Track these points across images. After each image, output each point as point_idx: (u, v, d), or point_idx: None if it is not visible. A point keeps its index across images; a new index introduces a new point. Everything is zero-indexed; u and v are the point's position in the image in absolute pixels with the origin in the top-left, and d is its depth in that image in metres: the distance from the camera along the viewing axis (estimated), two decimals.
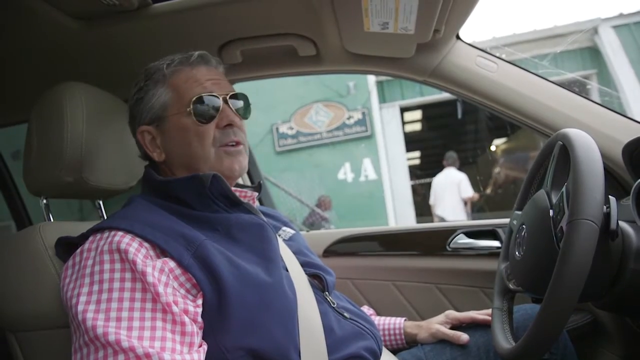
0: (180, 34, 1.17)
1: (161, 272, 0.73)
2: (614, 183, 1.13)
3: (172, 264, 0.75)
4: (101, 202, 1.15)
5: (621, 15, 6.55)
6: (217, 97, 0.92)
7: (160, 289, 0.71)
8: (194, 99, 0.90)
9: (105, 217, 1.16)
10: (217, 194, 0.87)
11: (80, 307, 0.69)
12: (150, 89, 0.93)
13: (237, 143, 0.93)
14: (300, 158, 7.66)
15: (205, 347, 0.73)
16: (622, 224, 0.81)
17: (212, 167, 0.91)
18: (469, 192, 6.20)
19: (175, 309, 0.70)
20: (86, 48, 1.17)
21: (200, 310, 0.74)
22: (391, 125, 7.61)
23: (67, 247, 0.84)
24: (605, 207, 0.75)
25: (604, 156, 0.78)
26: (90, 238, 0.78)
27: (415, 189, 7.78)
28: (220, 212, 0.88)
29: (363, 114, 7.48)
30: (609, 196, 0.76)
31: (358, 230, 1.63)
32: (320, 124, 7.61)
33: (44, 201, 1.01)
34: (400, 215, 7.26)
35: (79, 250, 0.77)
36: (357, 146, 7.51)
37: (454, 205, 6.17)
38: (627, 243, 0.79)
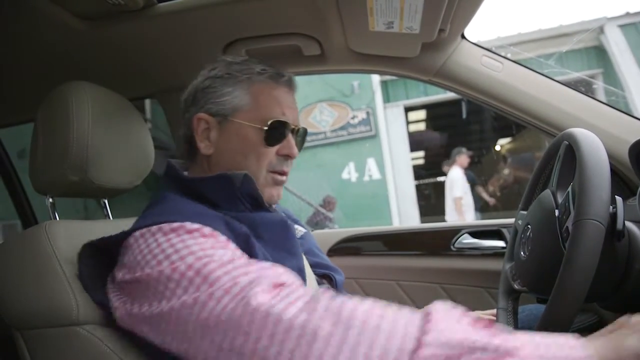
0: (186, 34, 1.17)
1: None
2: (620, 183, 1.12)
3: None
4: (106, 201, 1.15)
5: (627, 14, 6.51)
6: (290, 127, 0.92)
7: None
8: (272, 121, 0.89)
9: (111, 217, 1.16)
10: (244, 193, 0.87)
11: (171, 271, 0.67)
12: (229, 85, 0.90)
13: (285, 174, 0.94)
14: (304, 157, 7.65)
15: None
16: (629, 224, 0.81)
17: (262, 189, 0.91)
18: (456, 192, 5.97)
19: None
20: (92, 48, 1.18)
21: None
22: (395, 125, 7.60)
23: (93, 249, 0.82)
24: (611, 207, 0.74)
25: (610, 156, 0.78)
26: (139, 237, 0.75)
27: (419, 189, 7.76)
28: (244, 212, 0.87)
29: (367, 113, 7.47)
30: (615, 196, 0.76)
31: (362, 230, 1.63)
32: (324, 124, 7.60)
33: (50, 200, 1.02)
34: (404, 215, 7.25)
35: (126, 256, 0.75)
36: (361, 146, 7.51)
37: (450, 204, 6.06)
38: (633, 243, 0.78)
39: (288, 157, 0.93)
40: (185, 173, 0.93)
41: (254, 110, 0.90)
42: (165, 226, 0.73)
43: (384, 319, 0.56)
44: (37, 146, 0.97)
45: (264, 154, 0.90)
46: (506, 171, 7.27)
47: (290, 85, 0.96)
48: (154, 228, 0.74)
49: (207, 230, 0.72)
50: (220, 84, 0.91)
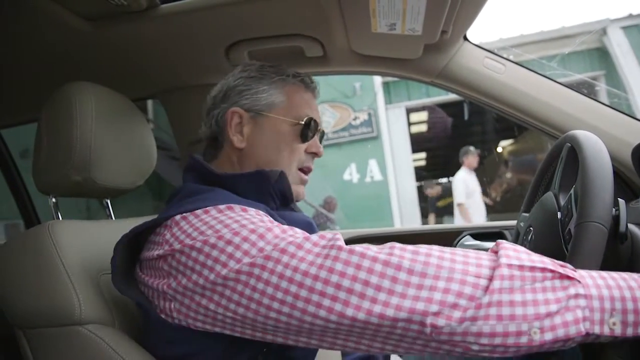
0: (189, 35, 1.17)
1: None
2: (622, 185, 1.12)
3: None
4: (109, 202, 1.15)
5: (630, 16, 6.49)
6: (319, 127, 0.98)
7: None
8: (307, 118, 0.94)
9: (113, 217, 1.17)
10: (277, 190, 0.89)
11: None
12: (263, 84, 0.94)
13: (309, 171, 0.99)
14: None
15: None
16: (631, 226, 0.80)
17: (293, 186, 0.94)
18: (458, 197, 5.68)
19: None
20: (95, 48, 1.18)
21: None
22: (397, 126, 7.59)
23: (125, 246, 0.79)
24: (614, 209, 0.74)
25: (612, 158, 0.77)
26: (186, 213, 0.74)
27: (420, 190, 7.74)
28: (274, 210, 0.88)
29: (369, 114, 7.47)
30: (618, 199, 0.76)
31: (364, 232, 1.63)
32: (326, 125, 7.60)
33: (53, 200, 1.02)
34: (406, 217, 7.24)
35: (166, 225, 0.74)
36: (363, 147, 7.50)
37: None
38: (636, 246, 0.78)
39: (315, 155, 0.99)
40: None
41: (288, 108, 0.95)
42: (221, 205, 0.73)
43: (456, 253, 0.61)
44: (40, 146, 0.98)
45: (296, 150, 0.94)
46: (508, 175, 7.24)
47: (316, 92, 1.02)
48: (209, 207, 0.74)
49: (261, 212, 0.75)
50: (255, 82, 0.94)
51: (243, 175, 0.88)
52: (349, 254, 0.61)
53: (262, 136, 0.93)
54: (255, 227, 0.68)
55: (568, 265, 0.59)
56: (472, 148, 5.74)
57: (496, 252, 0.61)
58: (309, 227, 0.89)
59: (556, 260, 0.60)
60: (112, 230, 0.82)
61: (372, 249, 0.62)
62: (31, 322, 0.82)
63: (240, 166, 0.94)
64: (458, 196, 5.60)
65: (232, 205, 0.74)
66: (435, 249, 0.62)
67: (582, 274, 0.58)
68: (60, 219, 1.02)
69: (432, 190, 7.32)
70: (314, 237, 0.66)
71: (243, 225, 0.69)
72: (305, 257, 0.63)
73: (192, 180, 0.91)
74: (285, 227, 0.71)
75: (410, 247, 0.63)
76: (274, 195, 0.89)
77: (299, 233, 0.69)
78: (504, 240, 0.63)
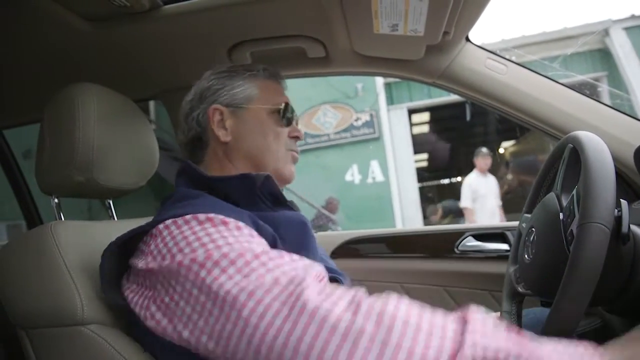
0: (191, 36, 1.17)
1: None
2: (625, 186, 1.12)
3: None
4: (111, 202, 1.16)
5: (633, 17, 6.48)
6: (294, 112, 1.02)
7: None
8: (284, 104, 0.99)
9: (115, 217, 1.17)
10: (266, 193, 0.90)
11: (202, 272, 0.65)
12: (236, 80, 0.98)
13: (297, 153, 1.03)
14: (308, 159, 7.65)
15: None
16: (634, 227, 0.80)
17: (276, 167, 0.96)
18: (464, 202, 5.53)
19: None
20: (97, 49, 1.18)
21: None
22: (399, 127, 7.59)
23: (114, 251, 0.80)
24: (616, 210, 0.74)
25: (615, 159, 0.77)
26: (168, 222, 0.74)
27: (422, 192, 7.74)
28: (266, 211, 0.89)
29: (371, 115, 7.47)
30: (620, 199, 0.75)
31: (365, 232, 1.63)
32: (327, 126, 7.61)
33: (56, 200, 1.02)
34: (407, 218, 7.24)
35: (150, 248, 0.73)
36: (364, 148, 7.50)
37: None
38: (638, 247, 0.78)
39: (297, 138, 1.02)
40: None
41: (264, 98, 0.98)
42: (201, 215, 0.72)
43: (423, 320, 0.58)
44: (43, 147, 0.98)
45: (281, 133, 0.98)
46: (509, 177, 7.21)
47: (285, 85, 1.07)
48: (188, 217, 0.73)
49: (241, 224, 0.73)
50: (228, 79, 0.98)
51: (230, 179, 0.89)
52: (310, 317, 0.58)
53: (246, 126, 0.96)
54: (228, 251, 0.66)
55: (534, 341, 0.57)
56: (484, 149, 5.52)
57: (464, 322, 0.58)
58: (302, 227, 0.89)
59: (524, 338, 0.57)
60: (115, 230, 0.82)
61: (338, 307, 0.59)
62: (33, 323, 0.82)
63: (230, 160, 0.95)
64: (463, 200, 5.50)
65: (212, 216, 0.72)
66: (400, 315, 0.58)
67: (547, 351, 0.56)
68: (63, 219, 1.03)
69: (435, 216, 7.32)
70: (284, 279, 0.62)
71: (218, 246, 0.67)
72: (262, 311, 0.60)
73: (184, 185, 0.92)
74: (266, 251, 0.68)
75: (377, 305, 0.59)
76: (262, 197, 0.89)
77: (276, 264, 0.66)
78: (475, 309, 0.60)
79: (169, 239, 0.71)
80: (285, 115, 0.99)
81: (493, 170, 5.53)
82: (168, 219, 0.74)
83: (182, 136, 1.01)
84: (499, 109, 1.25)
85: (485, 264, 1.42)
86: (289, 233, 0.86)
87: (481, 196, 5.37)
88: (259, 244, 0.71)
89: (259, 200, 0.89)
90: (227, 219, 0.72)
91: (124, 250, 0.79)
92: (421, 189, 7.77)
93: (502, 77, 1.21)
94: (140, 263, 0.74)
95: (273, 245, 0.77)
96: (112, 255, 0.78)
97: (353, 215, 7.10)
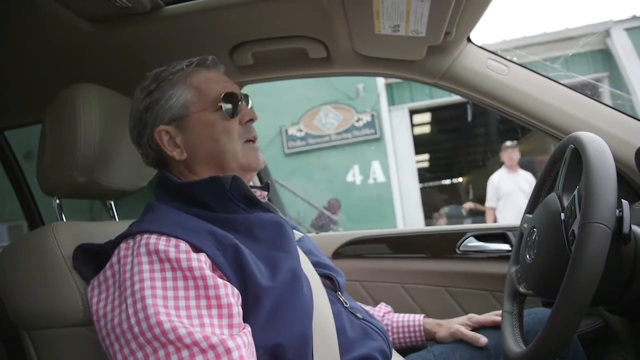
0: (193, 36, 1.18)
1: (205, 263, 0.74)
2: (626, 187, 1.12)
3: (208, 261, 0.75)
4: (112, 203, 1.16)
5: (634, 18, 6.48)
6: (238, 96, 0.95)
7: (208, 272, 0.72)
8: (222, 95, 0.92)
9: (117, 218, 1.17)
10: (237, 194, 0.89)
11: (130, 311, 0.68)
12: (167, 90, 0.93)
13: (255, 139, 0.98)
14: (309, 160, 7.66)
15: (249, 328, 0.73)
16: (635, 228, 0.80)
17: (240, 163, 0.93)
18: (488, 201, 5.27)
19: (222, 291, 0.71)
20: (99, 50, 1.19)
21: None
22: (400, 128, 7.59)
23: (86, 253, 0.84)
24: (617, 210, 0.74)
25: (616, 159, 0.77)
26: (123, 245, 0.77)
27: (423, 192, 7.73)
28: (240, 213, 0.89)
29: (372, 116, 7.48)
30: (622, 200, 0.75)
31: (367, 233, 1.63)
32: (329, 126, 7.61)
33: (57, 201, 1.02)
34: (408, 218, 7.24)
35: (110, 264, 0.77)
36: (366, 148, 7.50)
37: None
38: (639, 247, 0.78)
39: (251, 121, 0.98)
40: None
41: (201, 98, 0.93)
42: (143, 248, 0.74)
43: None
44: (44, 148, 0.98)
45: (230, 128, 0.93)
46: None
47: (217, 65, 1.00)
48: (138, 238, 0.76)
49: (177, 250, 0.73)
50: (159, 94, 0.93)
51: (199, 183, 0.89)
52: None
53: (196, 137, 0.92)
54: (151, 303, 0.67)
55: None
56: (508, 142, 5.24)
57: None
58: (278, 228, 0.89)
59: None
60: (116, 231, 0.82)
61: None
62: (35, 323, 0.83)
63: (194, 173, 0.94)
64: (488, 199, 5.31)
65: (157, 249, 0.73)
66: None
67: None
68: (64, 220, 1.03)
69: (442, 221, 7.32)
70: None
71: (142, 289, 0.69)
72: None
73: (161, 194, 0.93)
74: (182, 305, 0.69)
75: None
76: (233, 199, 0.89)
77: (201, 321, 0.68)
78: None
79: (116, 266, 0.76)
80: (229, 108, 0.93)
81: (494, 170, 5.50)
82: (124, 237, 0.79)
83: (144, 159, 0.98)
84: (500, 109, 1.24)
85: (487, 264, 1.42)
86: (263, 232, 0.87)
87: (505, 194, 5.13)
88: (189, 276, 0.71)
89: (231, 202, 0.88)
90: (167, 249, 0.73)
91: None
92: (422, 190, 7.77)
93: (504, 78, 1.21)
94: (101, 274, 0.78)
95: (235, 254, 0.77)
96: (78, 259, 0.83)
97: (354, 215, 7.10)
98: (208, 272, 0.72)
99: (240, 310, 0.72)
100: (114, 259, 0.77)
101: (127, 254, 0.75)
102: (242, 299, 0.75)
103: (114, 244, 0.80)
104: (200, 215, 0.85)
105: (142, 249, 0.73)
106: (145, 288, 0.68)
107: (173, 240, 0.74)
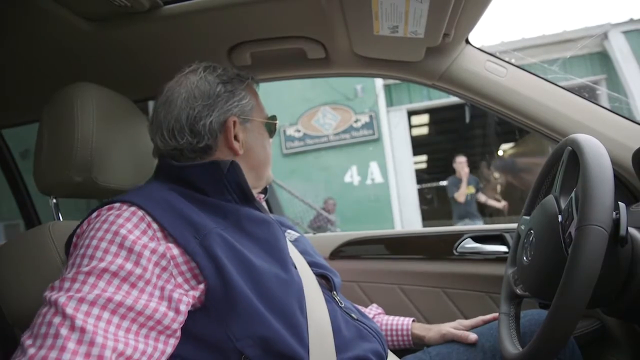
0: (191, 36, 1.17)
1: (162, 257, 0.73)
2: (623, 189, 1.12)
3: (175, 251, 0.75)
4: None
5: (631, 21, 6.50)
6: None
7: (148, 274, 0.71)
8: (271, 115, 1.05)
9: None
10: (233, 183, 0.89)
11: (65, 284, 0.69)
12: (239, 87, 0.98)
13: None
14: (307, 161, 7.67)
15: (173, 340, 0.72)
16: (632, 230, 0.80)
17: (268, 175, 1.04)
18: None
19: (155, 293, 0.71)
20: (97, 49, 1.18)
21: (192, 300, 0.74)
22: (398, 129, 7.60)
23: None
24: (614, 213, 0.74)
25: (613, 162, 0.77)
26: (95, 213, 0.79)
27: (421, 193, 7.73)
28: (232, 203, 0.89)
29: (370, 117, 7.49)
30: (619, 202, 0.76)
31: (364, 234, 1.63)
32: (327, 127, 7.62)
33: (54, 200, 1.02)
34: (406, 219, 7.24)
35: (81, 229, 0.78)
36: (364, 149, 7.52)
37: None
38: (636, 249, 0.78)
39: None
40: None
41: (258, 109, 1.02)
42: (112, 226, 0.73)
43: None
44: (41, 147, 0.98)
45: (269, 144, 1.05)
46: (496, 175, 7.18)
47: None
48: (105, 208, 0.78)
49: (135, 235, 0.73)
50: (233, 87, 0.97)
51: (196, 166, 0.90)
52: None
53: (253, 139, 0.99)
54: (102, 256, 0.70)
55: None
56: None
57: None
58: (267, 225, 0.89)
59: None
60: None
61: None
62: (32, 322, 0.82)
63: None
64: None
65: (118, 232, 0.73)
66: None
67: None
68: (61, 219, 1.03)
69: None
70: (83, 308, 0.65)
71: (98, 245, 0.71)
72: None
73: (159, 177, 0.93)
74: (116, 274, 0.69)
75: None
76: (228, 187, 0.89)
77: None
78: None
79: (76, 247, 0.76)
80: (274, 127, 1.04)
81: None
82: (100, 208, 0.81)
83: (173, 141, 0.91)
84: (498, 111, 1.25)
85: (484, 266, 1.42)
86: (252, 228, 0.87)
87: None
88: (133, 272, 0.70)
89: (226, 190, 0.89)
90: (130, 235, 0.72)
91: None
92: (420, 191, 7.78)
93: (502, 80, 1.22)
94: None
95: (214, 244, 0.77)
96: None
97: (352, 216, 7.11)
98: (148, 275, 0.71)
99: (166, 318, 0.71)
100: (81, 227, 0.78)
101: (98, 221, 0.76)
102: (220, 289, 0.74)
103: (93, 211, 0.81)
104: (193, 197, 0.86)
105: (112, 226, 0.74)
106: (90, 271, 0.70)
107: (147, 220, 0.75)
